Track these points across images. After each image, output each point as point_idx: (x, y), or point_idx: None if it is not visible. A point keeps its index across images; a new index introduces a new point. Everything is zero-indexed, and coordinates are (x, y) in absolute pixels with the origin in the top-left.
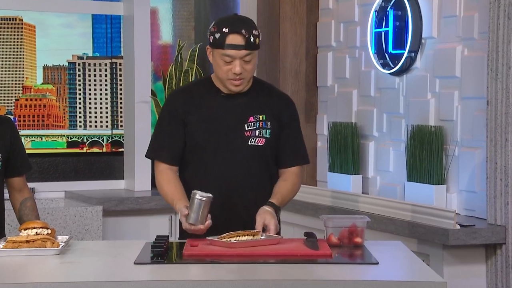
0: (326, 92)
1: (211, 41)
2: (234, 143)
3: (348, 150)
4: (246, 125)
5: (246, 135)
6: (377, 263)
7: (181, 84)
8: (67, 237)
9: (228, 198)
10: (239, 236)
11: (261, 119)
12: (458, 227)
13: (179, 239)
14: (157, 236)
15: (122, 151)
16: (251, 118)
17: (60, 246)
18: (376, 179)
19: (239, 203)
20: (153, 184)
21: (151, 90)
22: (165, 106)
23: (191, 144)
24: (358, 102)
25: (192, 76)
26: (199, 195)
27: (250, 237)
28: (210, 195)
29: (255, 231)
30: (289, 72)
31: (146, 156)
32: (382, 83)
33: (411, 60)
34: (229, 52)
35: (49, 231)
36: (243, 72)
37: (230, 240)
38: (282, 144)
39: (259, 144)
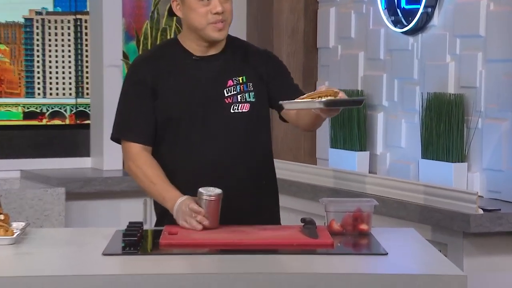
0: (327, 54)
1: None
2: (214, 112)
3: (353, 123)
4: (225, 90)
5: (227, 101)
6: (386, 254)
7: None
8: (23, 223)
9: (214, 178)
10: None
11: (241, 81)
12: (481, 211)
13: (155, 226)
14: (129, 222)
15: (89, 124)
16: (230, 82)
17: (15, 234)
18: (386, 156)
19: (228, 182)
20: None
21: (123, 52)
22: (128, 77)
23: (163, 119)
24: (365, 66)
25: (171, 34)
26: (206, 194)
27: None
28: (219, 190)
29: (334, 90)
30: (284, 31)
31: (112, 138)
32: (393, 43)
33: (427, 17)
34: None
35: (2, 217)
36: (224, 12)
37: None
38: (275, 91)
39: (243, 110)
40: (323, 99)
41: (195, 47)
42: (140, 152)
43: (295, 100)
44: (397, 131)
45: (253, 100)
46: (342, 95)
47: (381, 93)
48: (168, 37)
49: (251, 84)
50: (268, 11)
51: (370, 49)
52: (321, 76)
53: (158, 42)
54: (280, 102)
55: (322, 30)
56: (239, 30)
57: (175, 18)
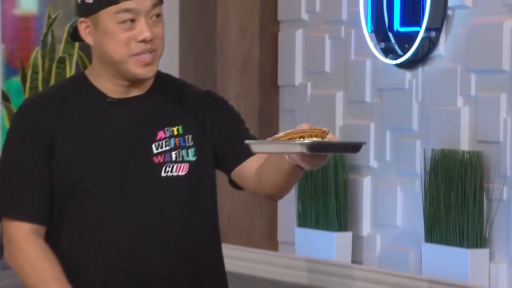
0: (292, 95)
1: (89, 2)
2: (138, 176)
3: (328, 191)
4: (154, 145)
5: (157, 161)
6: None
7: (52, 81)
8: None
9: (135, 273)
10: (303, 137)
11: (176, 133)
12: None
13: None
14: None
15: None
16: (161, 134)
17: None
18: (375, 238)
19: (155, 278)
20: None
21: (1, 91)
22: (13, 127)
23: (63, 187)
24: (345, 112)
25: (71, 67)
26: None
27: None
28: None
29: (322, 129)
30: (232, 62)
31: None
32: (384, 81)
33: (430, 44)
34: (128, 4)
35: None
36: (154, 39)
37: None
38: (224, 145)
39: (179, 173)
40: (307, 141)
41: (110, 87)
42: (28, 235)
43: (268, 140)
44: (390, 204)
45: (193, 159)
46: (332, 137)
47: (367, 149)
48: (68, 70)
49: (190, 137)
50: (209, 36)
51: (352, 88)
52: (284, 124)
53: (52, 76)
54: (246, 142)
55: (284, 62)
56: (168, 61)
57: (77, 44)
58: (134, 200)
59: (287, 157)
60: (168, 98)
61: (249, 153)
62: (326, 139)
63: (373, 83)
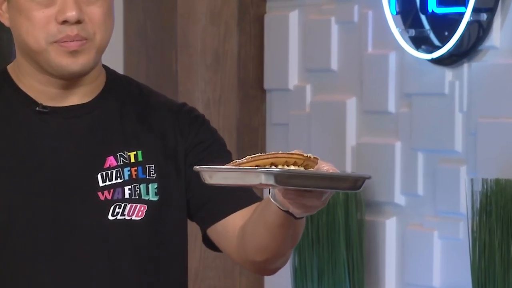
0: (285, 103)
1: None
2: (75, 221)
3: (337, 239)
4: (100, 176)
5: (103, 198)
6: None
7: None
8: None
9: None
10: (286, 164)
11: (133, 160)
12: None
13: None
14: None
15: None
16: (111, 160)
17: None
18: None
19: None
20: None
21: None
22: None
23: None
24: (360, 126)
25: None
26: None
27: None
28: None
29: (306, 155)
30: (199, 56)
31: None
32: (414, 83)
33: (480, 31)
34: None
35: None
36: (85, 21)
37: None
38: (201, 188)
39: (133, 217)
40: (276, 169)
41: (39, 89)
42: None
43: (225, 167)
44: (424, 256)
45: (155, 198)
46: (325, 167)
47: (392, 179)
48: None
49: (152, 167)
50: (167, 19)
51: (369, 93)
52: (272, 143)
53: None
54: (196, 167)
55: (273, 56)
56: (108, 55)
57: None
58: (71, 254)
59: (271, 199)
60: (125, 110)
61: (236, 204)
62: (310, 170)
63: (398, 87)
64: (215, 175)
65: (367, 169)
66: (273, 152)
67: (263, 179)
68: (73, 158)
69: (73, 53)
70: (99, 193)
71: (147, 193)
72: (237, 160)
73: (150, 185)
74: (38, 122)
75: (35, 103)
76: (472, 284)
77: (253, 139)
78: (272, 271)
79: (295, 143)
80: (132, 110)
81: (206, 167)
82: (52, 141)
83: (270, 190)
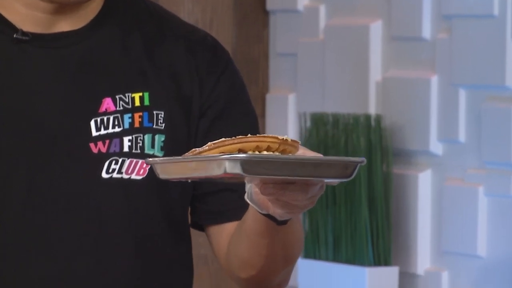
0: (293, 28)
1: None
2: (59, 179)
3: (357, 197)
4: (94, 122)
5: (96, 150)
6: None
7: None
8: None
9: None
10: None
11: (138, 103)
12: None
13: None
14: None
15: None
16: (109, 103)
17: None
18: (440, 278)
19: None
20: None
21: None
22: None
23: None
24: (387, 56)
25: None
26: None
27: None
28: None
29: (280, 138)
30: None
31: None
32: (455, 1)
33: None
34: None
35: None
36: None
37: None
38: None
39: (132, 176)
40: (243, 154)
41: (24, 13)
42: None
43: (179, 158)
44: (467, 218)
45: (161, 154)
46: (303, 152)
47: (427, 123)
48: None
49: (162, 114)
50: None
51: (399, 14)
52: (276, 78)
53: None
54: (148, 160)
55: None
56: None
57: None
58: (54, 221)
59: (247, 199)
60: (129, 39)
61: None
62: (289, 154)
63: (435, 7)
64: (169, 167)
65: (395, 110)
66: (239, 136)
67: (227, 167)
68: (57, 99)
69: None
70: (92, 145)
71: (152, 146)
72: (197, 149)
73: (156, 136)
74: (15, 52)
75: (15, 29)
76: None
77: (252, 74)
78: None
79: (306, 77)
80: (138, 39)
81: (159, 159)
82: (31, 77)
83: (246, 189)
